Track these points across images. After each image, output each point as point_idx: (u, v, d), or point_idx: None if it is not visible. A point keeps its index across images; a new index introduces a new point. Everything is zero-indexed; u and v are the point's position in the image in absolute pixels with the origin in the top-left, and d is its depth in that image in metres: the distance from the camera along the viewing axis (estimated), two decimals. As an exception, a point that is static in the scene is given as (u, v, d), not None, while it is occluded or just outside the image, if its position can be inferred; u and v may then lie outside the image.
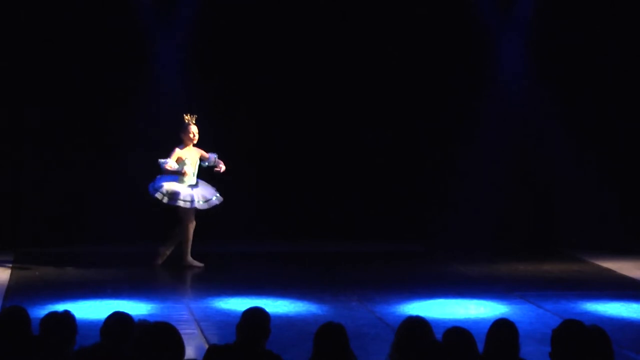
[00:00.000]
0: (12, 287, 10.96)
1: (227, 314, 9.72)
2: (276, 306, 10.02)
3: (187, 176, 12.05)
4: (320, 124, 14.58)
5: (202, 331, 9.06)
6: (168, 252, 12.38)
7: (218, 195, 12.23)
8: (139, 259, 12.88)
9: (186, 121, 12.22)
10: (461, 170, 14.51)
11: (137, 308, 9.77)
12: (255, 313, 5.87)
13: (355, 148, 14.70)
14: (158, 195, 12.01)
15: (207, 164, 12.26)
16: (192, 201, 12.02)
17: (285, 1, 14.40)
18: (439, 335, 5.61)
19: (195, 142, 12.21)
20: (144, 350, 4.87)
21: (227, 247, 13.95)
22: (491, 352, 5.67)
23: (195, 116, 12.25)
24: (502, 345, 5.68)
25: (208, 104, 14.31)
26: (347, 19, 14.45)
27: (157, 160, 12.01)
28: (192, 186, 12.14)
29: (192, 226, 12.26)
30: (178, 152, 12.09)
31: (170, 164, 11.94)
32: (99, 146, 14.02)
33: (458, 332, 5.51)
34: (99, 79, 13.86)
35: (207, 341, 8.53)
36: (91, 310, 9.52)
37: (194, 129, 12.19)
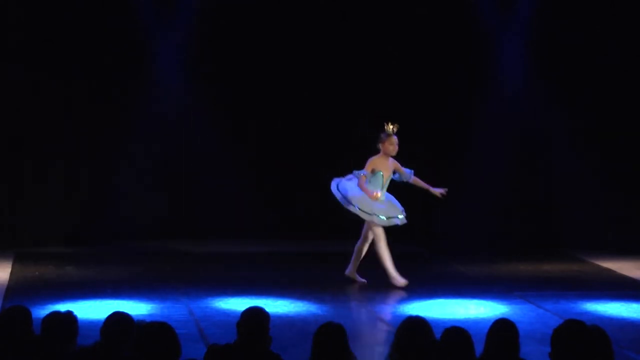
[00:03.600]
0: (12, 287, 10.95)
1: (227, 314, 9.71)
2: (276, 306, 10.02)
3: (378, 198, 11.09)
4: (321, 124, 14.58)
5: (202, 331, 9.06)
6: (356, 265, 11.46)
7: (403, 216, 11.20)
8: (139, 259, 12.90)
9: (387, 131, 11.17)
10: (461, 170, 14.51)
11: (137, 308, 9.77)
12: (255, 313, 5.87)
13: (355, 148, 14.68)
14: (337, 193, 11.23)
15: (401, 178, 11.36)
16: (370, 213, 11.06)
17: (285, 1, 14.40)
18: (438, 336, 5.61)
19: (394, 154, 11.25)
20: (140, 350, 4.87)
21: (227, 247, 13.95)
22: (491, 352, 5.67)
23: (398, 126, 11.23)
24: (502, 345, 5.68)
25: (208, 104, 14.33)
26: (347, 19, 14.44)
27: (353, 171, 11.20)
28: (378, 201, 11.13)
29: (380, 240, 11.16)
30: (373, 163, 11.16)
31: (365, 181, 11.05)
32: (98, 146, 14.02)
33: (456, 332, 5.52)
34: (99, 79, 13.86)
35: (207, 341, 8.53)
36: (91, 310, 9.52)
37: (396, 140, 11.15)
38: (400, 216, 11.16)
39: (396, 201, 11.29)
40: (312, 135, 14.65)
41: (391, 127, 11.18)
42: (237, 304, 9.99)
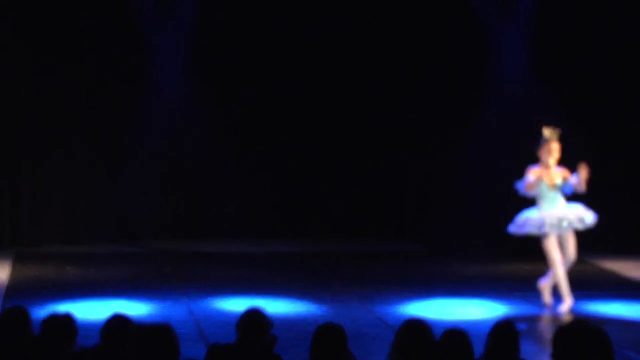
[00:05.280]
0: (12, 287, 10.95)
1: (227, 314, 9.71)
2: (276, 306, 10.03)
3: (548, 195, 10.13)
4: (322, 124, 14.59)
5: (202, 331, 9.06)
6: (548, 290, 10.35)
7: (588, 215, 10.39)
8: (139, 259, 12.90)
9: (546, 136, 10.13)
10: (461, 170, 14.50)
11: (137, 308, 9.78)
12: (255, 313, 5.87)
13: (356, 148, 14.69)
14: (511, 229, 10.34)
15: (567, 188, 10.34)
16: (541, 225, 10.10)
17: (285, 1, 14.40)
18: (438, 336, 5.61)
19: (554, 162, 10.24)
20: (140, 350, 4.87)
21: (227, 247, 13.96)
22: (491, 352, 5.68)
23: (559, 130, 10.14)
24: (502, 345, 5.68)
25: (208, 104, 14.32)
26: (346, 19, 14.44)
27: (515, 186, 10.31)
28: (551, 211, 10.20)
29: (557, 257, 10.14)
30: (533, 172, 10.20)
31: (529, 180, 10.09)
32: (98, 146, 14.03)
33: (455, 333, 5.52)
34: (98, 79, 13.85)
35: (207, 341, 8.53)
36: (91, 310, 9.52)
37: (555, 146, 10.09)
38: (567, 223, 10.21)
39: (575, 207, 10.42)
40: (313, 135, 14.64)
41: (550, 131, 10.11)
42: (237, 304, 10.00)
